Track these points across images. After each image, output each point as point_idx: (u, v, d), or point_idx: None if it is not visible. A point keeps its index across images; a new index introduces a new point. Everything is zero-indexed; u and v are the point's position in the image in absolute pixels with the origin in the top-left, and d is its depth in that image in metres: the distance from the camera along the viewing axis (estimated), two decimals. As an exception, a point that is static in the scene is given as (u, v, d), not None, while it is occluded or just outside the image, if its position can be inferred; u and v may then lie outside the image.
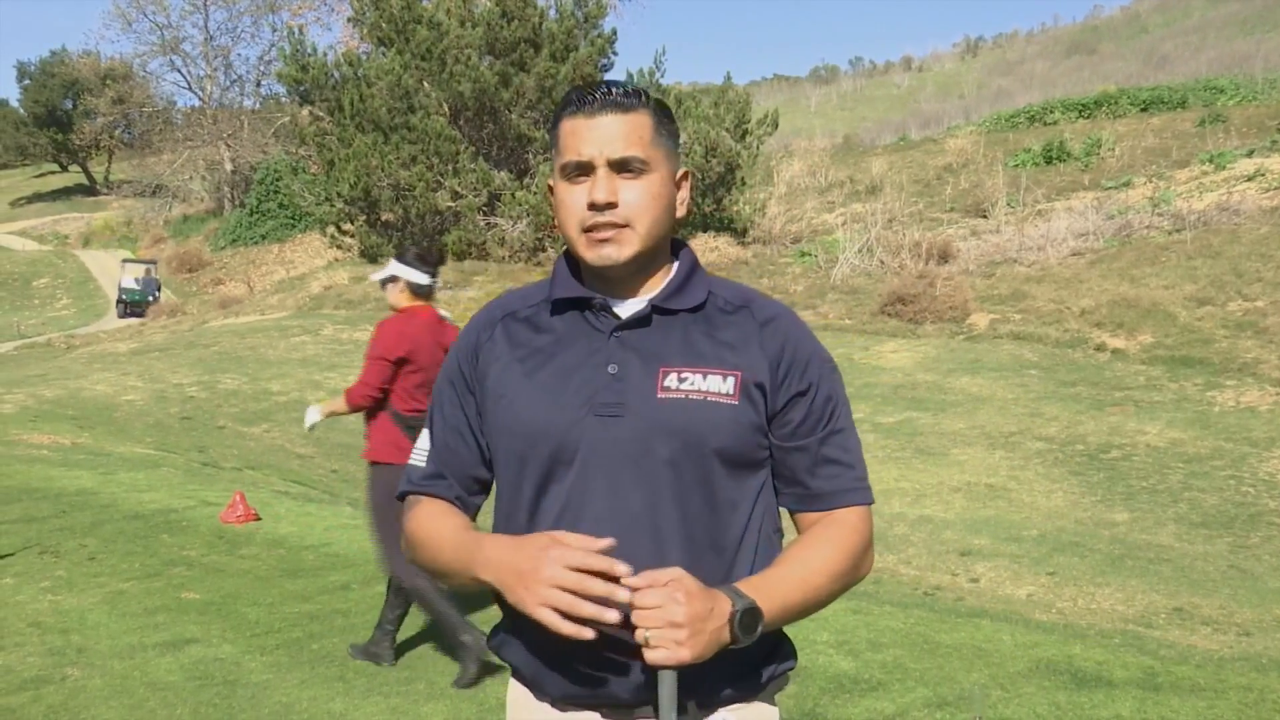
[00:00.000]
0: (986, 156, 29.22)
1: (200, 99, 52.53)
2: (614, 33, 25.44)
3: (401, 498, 1.62)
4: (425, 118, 23.70)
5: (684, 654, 1.29)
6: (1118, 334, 15.76)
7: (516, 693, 1.55)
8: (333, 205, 24.99)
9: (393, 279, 4.51)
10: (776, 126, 27.62)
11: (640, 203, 1.45)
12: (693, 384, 1.45)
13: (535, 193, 23.31)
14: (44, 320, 33.50)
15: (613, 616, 1.30)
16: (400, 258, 4.54)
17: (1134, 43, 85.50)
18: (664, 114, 1.50)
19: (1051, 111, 33.96)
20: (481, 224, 24.06)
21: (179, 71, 55.34)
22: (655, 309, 1.50)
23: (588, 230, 1.46)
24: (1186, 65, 55.21)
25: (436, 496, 1.57)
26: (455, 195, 23.94)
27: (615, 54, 25.91)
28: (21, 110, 67.88)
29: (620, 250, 1.45)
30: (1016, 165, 27.91)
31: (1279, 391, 13.02)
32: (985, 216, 24.01)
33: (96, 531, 6.75)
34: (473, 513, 1.59)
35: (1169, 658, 4.77)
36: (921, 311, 17.64)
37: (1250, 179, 21.84)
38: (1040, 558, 7.75)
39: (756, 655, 1.47)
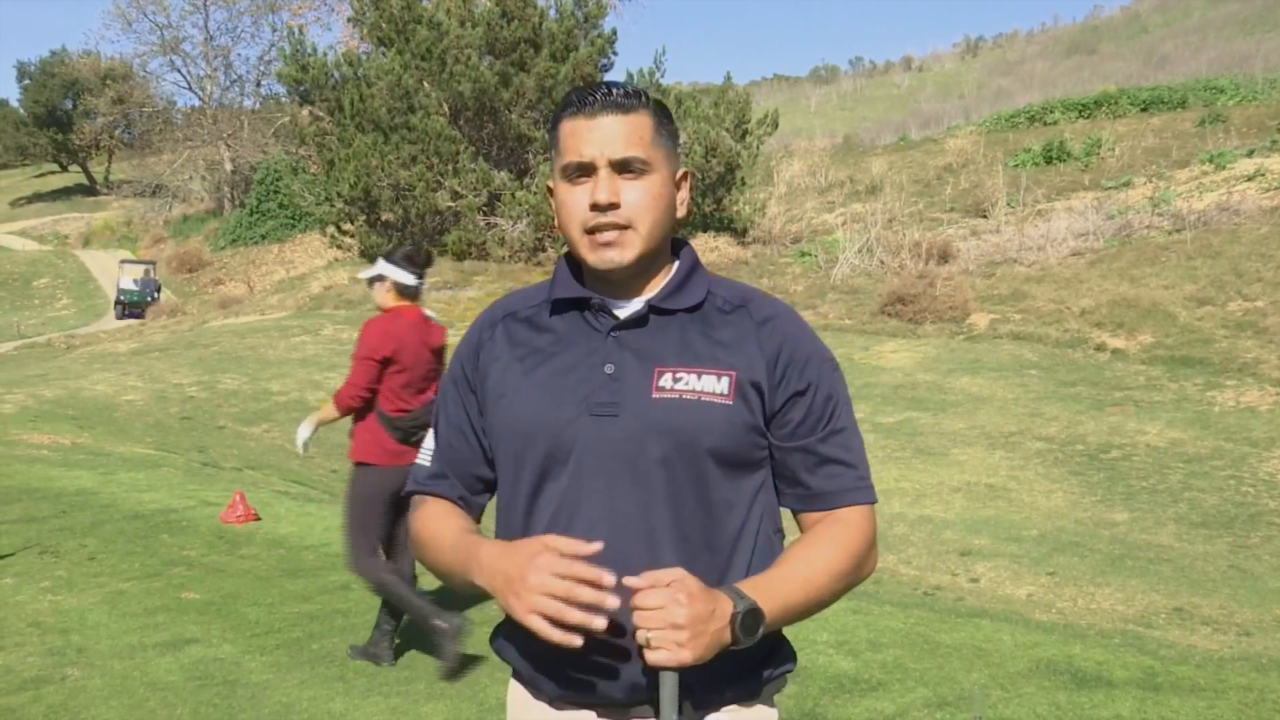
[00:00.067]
0: (986, 156, 29.22)
1: (200, 99, 52.54)
2: (614, 33, 25.47)
3: (408, 497, 1.63)
4: (425, 118, 23.70)
5: (685, 655, 1.29)
6: (1118, 334, 15.76)
7: (516, 693, 1.56)
8: (333, 205, 24.99)
9: (380, 278, 4.52)
10: (776, 126, 27.63)
11: (642, 203, 1.46)
12: (687, 384, 1.45)
13: (535, 193, 23.31)
14: (44, 320, 33.50)
15: (601, 624, 1.30)
16: (388, 257, 4.54)
17: (1134, 43, 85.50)
18: (663, 114, 1.51)
19: (1051, 111, 33.97)
20: (481, 224, 24.07)
21: (179, 71, 55.46)
22: (652, 309, 1.50)
23: (590, 232, 1.46)
24: (1186, 65, 55.22)
25: (440, 496, 1.58)
26: (455, 195, 23.95)
27: (615, 54, 25.94)
28: (21, 110, 67.87)
29: (623, 254, 1.46)
30: (1016, 165, 27.91)
31: (1279, 391, 13.02)
32: (985, 216, 24.01)
33: (96, 531, 6.75)
34: (477, 512, 1.60)
35: (1169, 658, 4.77)
36: (921, 311, 17.64)
37: (1250, 179, 21.84)
38: (1040, 558, 7.75)
39: (756, 656, 1.47)
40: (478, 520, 1.60)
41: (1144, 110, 31.92)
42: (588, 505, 1.44)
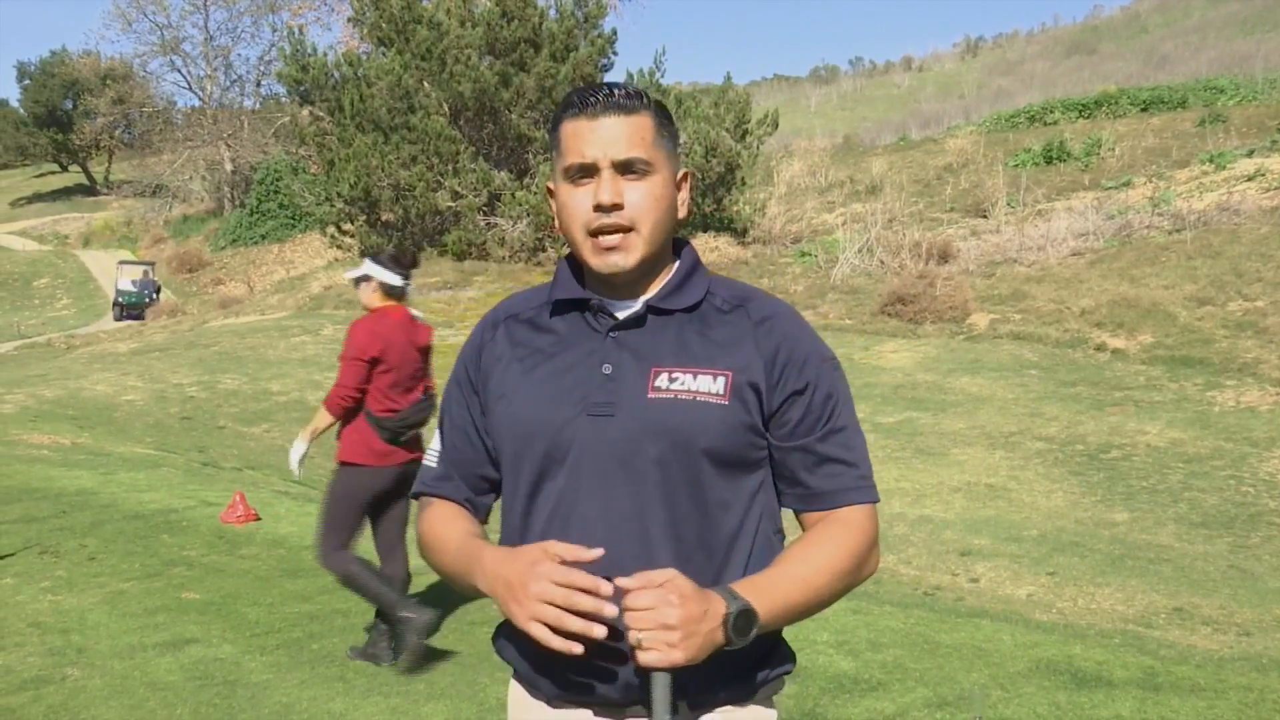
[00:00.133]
0: (986, 156, 29.22)
1: (200, 99, 52.56)
2: (614, 33, 25.45)
3: (415, 498, 1.64)
4: (425, 118, 23.70)
5: (676, 656, 1.30)
6: (1118, 334, 15.76)
7: (516, 692, 1.57)
8: (333, 205, 24.99)
9: (366, 279, 4.54)
10: (776, 126, 27.61)
11: (644, 204, 1.46)
12: (683, 384, 1.45)
13: (535, 193, 23.31)
14: (44, 320, 33.51)
15: (600, 633, 1.31)
16: (374, 258, 4.58)
17: (1134, 43, 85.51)
18: (664, 115, 1.51)
19: (1051, 111, 33.96)
20: (481, 224, 24.06)
21: (179, 71, 55.55)
22: (650, 309, 1.50)
23: (594, 234, 1.46)
24: (1186, 65, 55.22)
25: (446, 498, 1.59)
26: (455, 195, 23.95)
27: (615, 54, 25.92)
28: (21, 110, 67.88)
29: (627, 258, 1.46)
30: (1016, 165, 27.91)
31: (1279, 391, 13.02)
32: (985, 216, 24.01)
33: (96, 531, 6.75)
34: (484, 513, 1.61)
35: (1169, 658, 4.77)
36: (921, 311, 17.64)
37: (1250, 179, 21.84)
38: (1040, 558, 7.75)
39: (752, 657, 1.47)
40: (485, 520, 1.61)
41: (1144, 110, 31.92)
42: (584, 505, 1.44)
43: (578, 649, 1.31)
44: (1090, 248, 19.85)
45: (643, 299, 1.52)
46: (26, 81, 65.55)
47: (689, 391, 1.44)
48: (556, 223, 1.52)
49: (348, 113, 24.34)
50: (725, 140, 24.60)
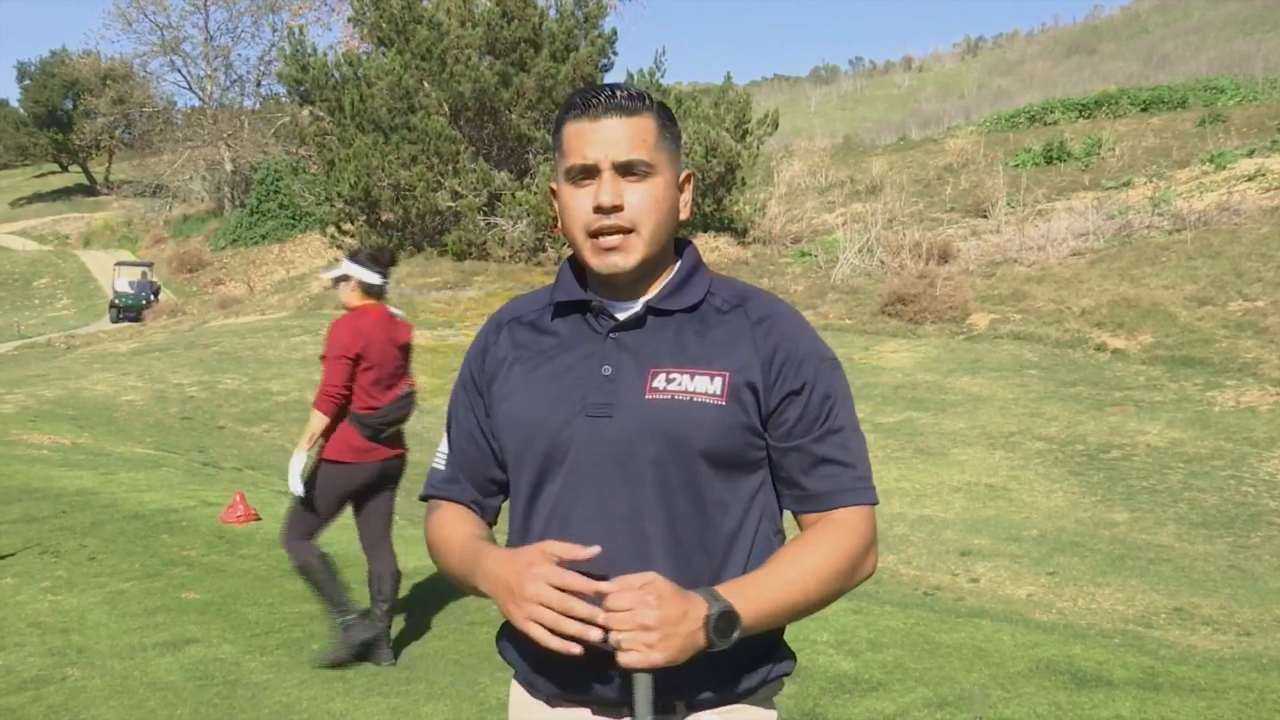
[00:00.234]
0: (987, 156, 29.21)
1: (200, 99, 52.51)
2: (614, 33, 25.44)
3: (423, 500, 1.65)
4: (425, 118, 23.70)
5: (655, 657, 1.30)
6: (1118, 334, 15.77)
7: (516, 692, 1.58)
8: (333, 205, 24.98)
9: (345, 278, 4.58)
10: (776, 126, 27.61)
11: (645, 206, 1.46)
12: (680, 385, 1.45)
13: (535, 193, 23.31)
14: (44, 320, 33.49)
15: (596, 635, 1.31)
16: (353, 257, 4.65)
17: (1134, 43, 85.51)
18: (667, 117, 1.51)
19: (1051, 111, 33.95)
20: (481, 224, 24.06)
21: (179, 71, 55.44)
22: (650, 310, 1.51)
23: (594, 235, 1.46)
24: (1186, 65, 55.21)
25: (454, 501, 1.60)
26: (455, 195, 23.94)
27: (615, 54, 25.92)
28: (21, 110, 67.83)
29: (627, 259, 1.46)
30: (1017, 165, 27.90)
31: (1279, 391, 13.02)
32: (985, 216, 24.01)
33: (96, 531, 6.75)
34: (492, 515, 1.62)
35: (1169, 658, 4.77)
36: (921, 311, 17.64)
37: (1250, 179, 21.83)
38: (1040, 558, 7.75)
39: (749, 658, 1.47)
40: (494, 522, 1.62)
41: (1144, 110, 31.90)
42: (582, 506, 1.45)
43: (576, 649, 1.32)
44: (1090, 248, 19.85)
45: (643, 300, 1.52)
46: (26, 81, 65.52)
47: (686, 392, 1.44)
48: (558, 223, 1.53)
49: (348, 113, 24.34)
50: (725, 140, 24.60)
